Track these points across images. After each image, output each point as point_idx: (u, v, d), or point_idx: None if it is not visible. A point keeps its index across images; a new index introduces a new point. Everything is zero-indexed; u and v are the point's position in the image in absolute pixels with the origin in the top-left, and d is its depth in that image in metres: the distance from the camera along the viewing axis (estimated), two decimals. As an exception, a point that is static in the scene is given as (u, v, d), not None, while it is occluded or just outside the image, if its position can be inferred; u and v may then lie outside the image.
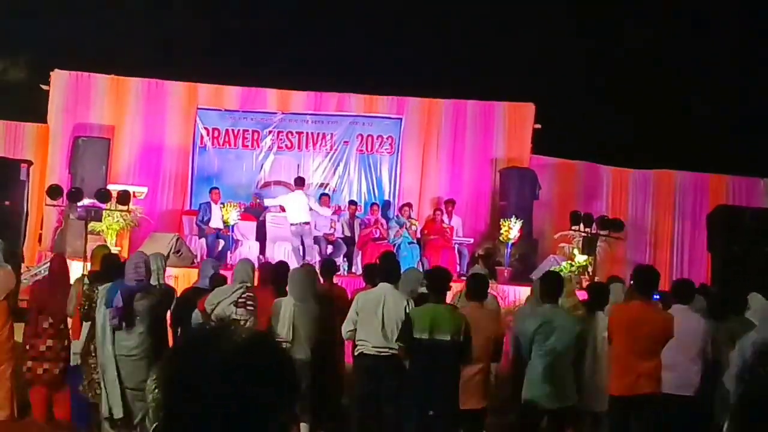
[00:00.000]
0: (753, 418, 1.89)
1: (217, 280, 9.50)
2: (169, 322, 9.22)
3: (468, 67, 19.68)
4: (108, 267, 9.12)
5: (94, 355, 8.61)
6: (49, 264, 10.97)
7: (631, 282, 8.68)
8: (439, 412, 7.49)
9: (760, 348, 6.90)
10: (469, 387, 7.67)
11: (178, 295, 9.80)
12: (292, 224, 16.68)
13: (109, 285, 8.46)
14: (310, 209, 16.79)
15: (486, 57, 19.48)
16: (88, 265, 11.58)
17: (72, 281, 10.23)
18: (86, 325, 9.04)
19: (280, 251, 16.58)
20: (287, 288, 9.11)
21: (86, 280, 9.57)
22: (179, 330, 9.34)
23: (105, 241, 14.72)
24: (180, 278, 13.79)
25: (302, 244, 16.54)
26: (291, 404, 1.91)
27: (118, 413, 8.22)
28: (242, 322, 8.28)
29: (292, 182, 17.87)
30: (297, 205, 16.72)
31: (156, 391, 1.85)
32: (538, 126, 19.01)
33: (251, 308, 8.43)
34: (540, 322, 7.77)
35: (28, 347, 9.96)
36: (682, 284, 9.18)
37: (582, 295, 10.21)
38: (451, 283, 8.57)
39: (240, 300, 8.44)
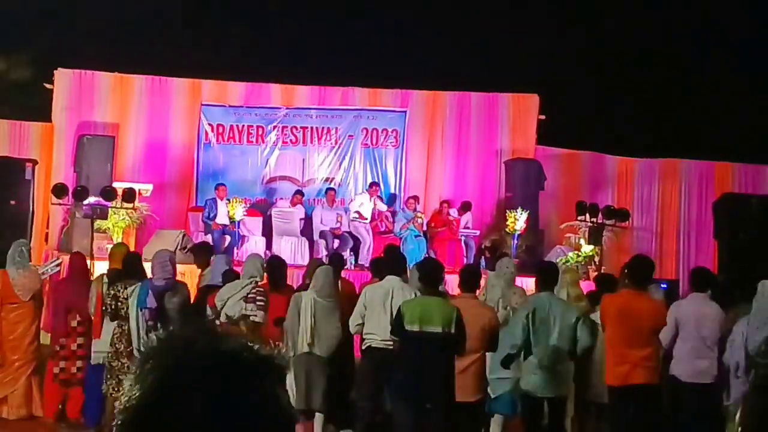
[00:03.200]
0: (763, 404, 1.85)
1: (230, 276, 9.50)
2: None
3: (472, 59, 19.64)
4: (132, 266, 9.14)
5: (124, 356, 8.63)
6: (69, 263, 10.99)
7: (625, 271, 8.65)
8: (432, 404, 7.47)
9: None
10: (462, 379, 7.64)
11: (194, 293, 9.80)
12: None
13: (137, 286, 8.45)
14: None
15: (490, 49, 19.43)
16: (105, 264, 11.59)
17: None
18: (112, 325, 9.04)
19: (287, 246, 16.58)
20: (311, 283, 9.15)
21: (105, 279, 9.61)
22: None
23: (111, 239, 14.73)
24: (187, 275, 13.78)
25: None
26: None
27: None
28: (252, 317, 8.29)
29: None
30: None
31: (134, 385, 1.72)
32: (543, 117, 18.98)
33: (261, 303, 8.41)
34: (532, 310, 7.77)
35: (58, 347, 10.00)
36: (699, 273, 9.15)
37: (590, 285, 10.23)
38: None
39: (250, 295, 8.42)
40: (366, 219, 17.20)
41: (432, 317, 7.41)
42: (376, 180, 18.83)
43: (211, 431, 1.57)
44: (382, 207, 17.58)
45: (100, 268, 12.54)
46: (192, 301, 9.31)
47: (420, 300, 7.78)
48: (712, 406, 8.37)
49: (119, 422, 1.65)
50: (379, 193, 17.76)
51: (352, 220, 17.19)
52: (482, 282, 9.17)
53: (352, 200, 17.96)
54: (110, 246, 12.37)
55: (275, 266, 10.03)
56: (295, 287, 10.92)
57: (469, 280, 8.20)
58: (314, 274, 9.29)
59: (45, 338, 10.74)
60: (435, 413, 7.50)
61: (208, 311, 8.73)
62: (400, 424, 7.60)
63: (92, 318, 9.68)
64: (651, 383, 7.66)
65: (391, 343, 8.30)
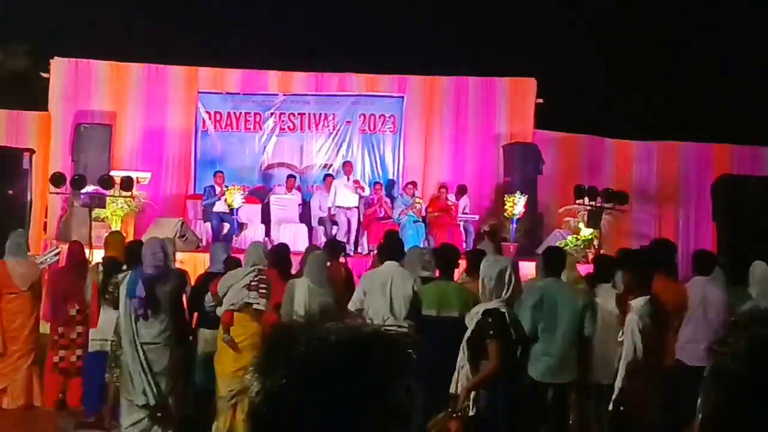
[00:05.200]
0: (721, 392, 1.83)
1: (231, 264, 9.48)
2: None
3: (469, 44, 19.60)
4: (133, 254, 9.11)
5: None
6: (67, 252, 10.99)
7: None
8: (447, 389, 7.48)
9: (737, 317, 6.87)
10: None
11: (194, 281, 9.79)
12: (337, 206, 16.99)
13: (129, 274, 8.44)
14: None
15: (486, 33, 19.39)
16: (99, 252, 11.61)
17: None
18: (109, 313, 9.05)
19: (286, 233, 16.56)
20: (304, 270, 9.09)
21: (100, 268, 9.61)
22: (195, 316, 9.33)
23: (110, 228, 14.73)
24: (186, 262, 13.77)
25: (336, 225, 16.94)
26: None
27: (151, 400, 8.26)
28: (254, 305, 8.29)
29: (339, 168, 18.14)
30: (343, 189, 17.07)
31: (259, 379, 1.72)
32: (540, 101, 18.97)
33: (264, 291, 8.38)
34: (540, 296, 7.75)
35: (57, 337, 10.01)
36: (703, 255, 9.11)
37: (587, 268, 10.22)
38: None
39: (253, 283, 8.39)
40: (347, 206, 17.14)
41: (450, 302, 7.42)
42: (375, 166, 18.83)
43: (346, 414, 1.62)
44: (364, 192, 17.46)
45: (98, 256, 12.54)
46: (190, 291, 9.30)
47: (437, 285, 7.78)
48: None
49: (254, 408, 1.66)
50: (353, 172, 17.70)
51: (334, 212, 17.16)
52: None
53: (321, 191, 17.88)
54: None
55: (282, 255, 10.02)
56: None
57: (477, 264, 8.18)
58: (308, 260, 9.26)
59: (44, 328, 10.74)
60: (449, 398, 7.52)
61: (208, 297, 8.74)
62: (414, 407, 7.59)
63: (89, 306, 9.69)
64: (669, 365, 7.67)
65: (392, 328, 8.27)
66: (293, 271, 10.17)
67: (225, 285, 8.47)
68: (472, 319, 6.15)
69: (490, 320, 6.04)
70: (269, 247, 11.22)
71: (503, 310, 6.10)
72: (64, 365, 9.99)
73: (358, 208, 17.21)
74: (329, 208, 17.18)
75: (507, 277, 6.19)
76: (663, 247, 8.19)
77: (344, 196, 17.03)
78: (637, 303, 6.82)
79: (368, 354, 1.66)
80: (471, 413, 6.14)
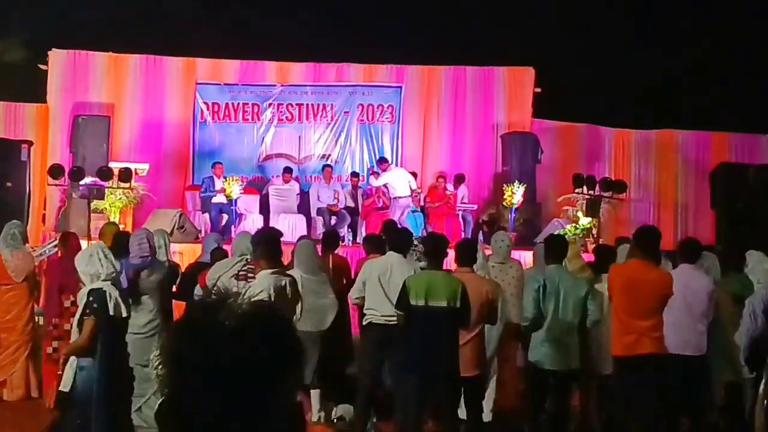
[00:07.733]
0: None
1: (218, 254, 9.46)
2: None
3: (466, 33, 19.58)
4: (120, 245, 9.10)
5: None
6: (61, 242, 10.98)
7: (633, 242, 8.63)
8: (439, 378, 7.49)
9: None
10: (462, 353, 7.60)
11: (183, 270, 9.80)
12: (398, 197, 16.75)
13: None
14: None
15: (484, 22, 19.38)
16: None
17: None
18: None
19: (285, 223, 16.57)
20: (294, 261, 9.09)
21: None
22: (183, 305, 9.33)
23: (108, 219, 14.73)
24: (184, 254, 13.79)
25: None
26: (294, 374, 1.88)
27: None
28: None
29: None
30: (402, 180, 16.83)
31: (159, 367, 1.82)
32: (539, 90, 18.95)
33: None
34: (542, 283, 7.74)
35: (51, 327, 10.01)
36: (688, 243, 9.11)
37: (588, 257, 10.22)
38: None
39: (241, 273, 8.38)
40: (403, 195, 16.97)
41: (438, 292, 7.39)
42: (373, 156, 18.82)
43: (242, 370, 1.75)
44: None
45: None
46: (180, 281, 9.30)
47: (426, 275, 7.74)
48: (697, 378, 8.35)
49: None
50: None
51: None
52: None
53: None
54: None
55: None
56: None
57: (466, 254, 8.16)
58: (296, 250, 9.25)
59: (40, 319, 10.75)
60: (440, 387, 7.52)
61: (197, 290, 8.73)
62: (405, 398, 7.60)
63: None
64: (657, 353, 7.64)
65: (392, 318, 8.28)
66: (285, 261, 10.19)
67: (213, 276, 8.45)
68: (81, 299, 6.66)
69: (91, 299, 6.56)
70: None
71: (106, 289, 6.62)
72: (58, 356, 10.00)
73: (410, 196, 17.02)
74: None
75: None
76: (649, 233, 8.14)
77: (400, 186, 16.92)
78: None
79: (267, 331, 1.82)
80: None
